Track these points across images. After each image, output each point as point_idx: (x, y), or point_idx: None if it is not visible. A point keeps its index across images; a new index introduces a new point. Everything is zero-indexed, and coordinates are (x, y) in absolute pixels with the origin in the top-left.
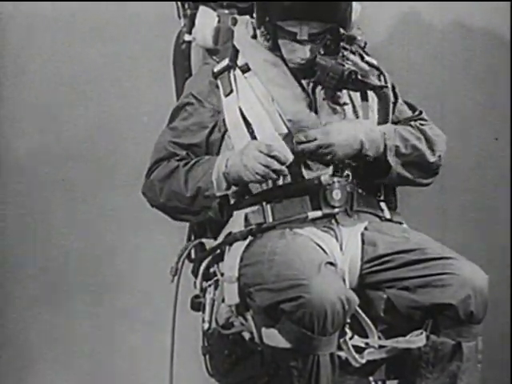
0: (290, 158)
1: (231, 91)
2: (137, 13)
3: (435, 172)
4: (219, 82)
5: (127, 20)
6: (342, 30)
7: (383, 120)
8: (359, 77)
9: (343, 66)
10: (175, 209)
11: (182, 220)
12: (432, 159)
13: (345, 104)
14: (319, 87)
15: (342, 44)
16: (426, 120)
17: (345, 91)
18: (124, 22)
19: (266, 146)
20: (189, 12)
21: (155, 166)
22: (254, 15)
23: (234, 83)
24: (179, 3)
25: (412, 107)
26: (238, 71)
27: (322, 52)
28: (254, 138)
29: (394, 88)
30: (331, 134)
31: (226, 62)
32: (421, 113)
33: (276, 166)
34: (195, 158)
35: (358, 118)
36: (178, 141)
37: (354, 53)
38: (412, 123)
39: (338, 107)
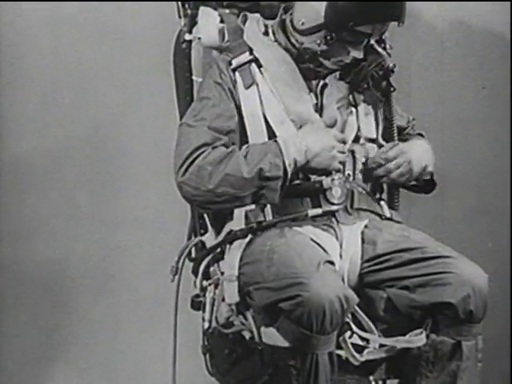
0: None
1: (252, 83)
2: (137, 13)
3: None
4: (238, 75)
5: (127, 20)
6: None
7: (389, 124)
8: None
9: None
10: (221, 195)
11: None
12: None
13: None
14: (327, 89)
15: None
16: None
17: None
18: (124, 22)
19: (342, 137)
20: (189, 12)
21: (199, 152)
22: (324, 20)
23: (255, 76)
24: (179, 3)
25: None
26: (255, 66)
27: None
28: (270, 131)
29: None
30: (409, 153)
31: (246, 55)
32: (413, 119)
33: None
34: (245, 145)
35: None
36: (216, 126)
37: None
38: (424, 134)
39: (341, 111)
